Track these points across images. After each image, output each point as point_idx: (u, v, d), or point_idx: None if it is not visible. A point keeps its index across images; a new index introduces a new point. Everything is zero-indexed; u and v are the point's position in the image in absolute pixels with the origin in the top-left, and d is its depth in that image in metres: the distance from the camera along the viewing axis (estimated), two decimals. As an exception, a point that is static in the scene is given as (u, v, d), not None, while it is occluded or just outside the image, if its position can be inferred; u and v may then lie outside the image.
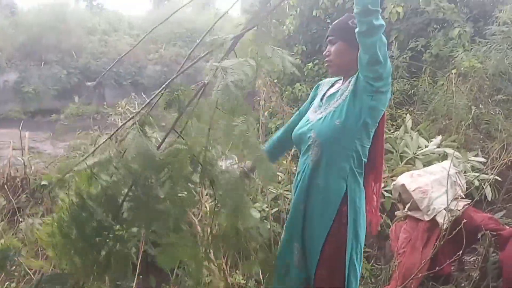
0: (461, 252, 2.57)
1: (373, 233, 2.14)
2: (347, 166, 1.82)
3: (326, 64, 1.96)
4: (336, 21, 1.95)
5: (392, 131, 4.53)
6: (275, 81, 8.50)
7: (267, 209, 3.12)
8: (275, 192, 3.43)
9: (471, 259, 3.10)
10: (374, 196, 2.02)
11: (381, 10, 1.62)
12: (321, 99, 1.99)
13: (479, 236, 2.80)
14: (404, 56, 6.28)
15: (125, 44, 16.44)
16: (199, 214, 3.17)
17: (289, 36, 8.62)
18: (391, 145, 4.34)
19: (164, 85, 1.45)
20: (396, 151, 4.27)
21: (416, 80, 5.80)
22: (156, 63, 15.84)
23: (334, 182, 1.83)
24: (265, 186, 3.22)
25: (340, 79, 2.00)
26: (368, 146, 1.87)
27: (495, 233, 2.75)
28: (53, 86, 14.52)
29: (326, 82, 2.10)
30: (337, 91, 1.92)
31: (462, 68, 5.23)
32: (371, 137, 1.86)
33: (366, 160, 1.88)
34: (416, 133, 4.44)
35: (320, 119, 1.88)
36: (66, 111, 13.65)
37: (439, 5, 6.87)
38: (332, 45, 1.91)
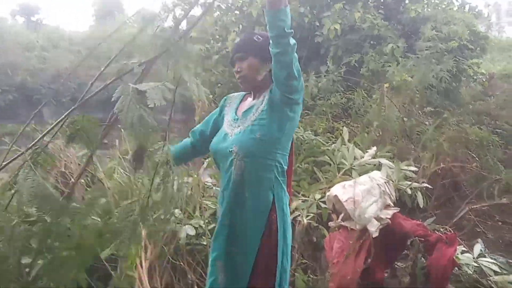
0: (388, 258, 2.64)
1: None
2: (272, 176, 1.88)
3: (239, 81, 2.00)
4: (239, 40, 2.06)
5: (329, 143, 4.63)
6: (220, 97, 8.55)
7: (204, 226, 3.08)
8: (213, 207, 3.39)
9: (403, 265, 3.20)
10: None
11: (293, 32, 1.72)
12: (236, 113, 2.02)
13: (409, 242, 2.90)
14: (340, 71, 6.50)
15: (66, 60, 15.91)
16: (133, 234, 3.08)
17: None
18: (328, 156, 4.43)
19: (64, 115, 1.34)
20: (333, 163, 4.36)
21: (352, 94, 6.00)
22: (97, 79, 15.41)
23: (262, 193, 1.86)
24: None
25: (249, 93, 2.05)
26: (287, 154, 1.94)
27: (423, 239, 2.86)
28: (-14, 105, 13.77)
29: (236, 95, 2.14)
30: (253, 105, 1.96)
31: (394, 82, 5.47)
32: (289, 145, 1.95)
33: (286, 167, 1.94)
34: (353, 144, 4.56)
35: (239, 133, 1.91)
36: (1, 131, 12.94)
37: (374, 22, 7.22)
38: (242, 62, 1.95)
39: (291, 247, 3.09)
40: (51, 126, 1.32)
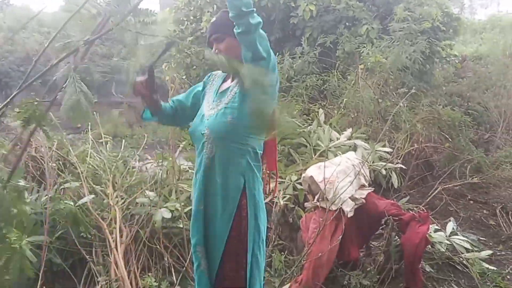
0: (363, 237, 2.67)
1: None
2: (244, 161, 1.84)
3: None
4: (215, 19, 1.96)
5: (305, 125, 4.64)
6: (196, 78, 8.45)
7: (180, 209, 3.06)
8: (188, 190, 3.37)
9: (377, 244, 3.26)
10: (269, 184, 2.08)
11: (254, 10, 1.67)
12: (215, 94, 1.97)
13: (383, 221, 2.95)
14: (314, 52, 6.47)
15: (34, 42, 15.40)
16: (108, 218, 3.04)
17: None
18: (305, 138, 4.45)
19: (9, 98, 1.28)
20: (309, 144, 4.39)
21: (327, 76, 6.00)
22: (69, 61, 14.98)
23: (232, 178, 1.83)
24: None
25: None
26: (263, 139, 1.89)
27: (396, 218, 2.91)
28: (-49, 88, 13.26)
29: (220, 74, 2.08)
30: (228, 87, 1.93)
31: (369, 64, 5.49)
32: None
33: (261, 152, 1.90)
34: (328, 126, 4.59)
35: (212, 116, 1.88)
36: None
37: (349, 4, 7.20)
38: (220, 43, 1.90)
39: (268, 228, 3.12)
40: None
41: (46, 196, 2.91)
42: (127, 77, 1.94)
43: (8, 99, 1.26)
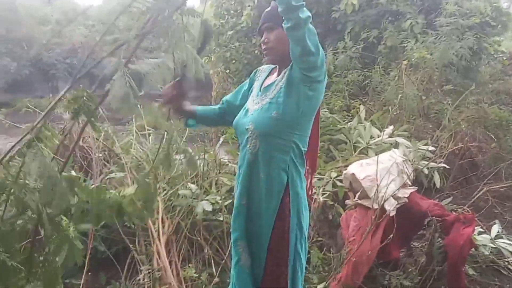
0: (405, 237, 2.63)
1: None
2: (287, 157, 1.82)
3: (264, 52, 1.91)
4: (269, 8, 1.90)
5: (346, 121, 4.59)
6: (235, 72, 8.51)
7: (220, 202, 3.10)
8: (229, 184, 3.41)
9: (419, 244, 3.19)
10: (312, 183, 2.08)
11: (304, 4, 1.62)
12: (260, 89, 1.96)
13: (426, 222, 2.88)
14: (357, 47, 6.37)
15: (80, 35, 15.90)
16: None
17: (247, 27, 8.59)
18: (345, 135, 4.41)
19: (64, 91, 1.31)
20: (349, 141, 4.34)
21: (369, 71, 5.90)
22: (112, 54, 15.37)
23: (275, 174, 1.82)
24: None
25: (276, 67, 1.98)
26: (308, 136, 1.87)
27: (440, 219, 2.84)
28: (2, 78, 13.88)
29: (265, 68, 2.07)
30: (273, 82, 1.90)
31: (413, 59, 5.36)
32: (311, 126, 1.87)
33: (306, 149, 1.88)
34: (369, 123, 4.52)
35: (256, 110, 1.86)
36: (17, 104, 13.06)
37: (393, -3, 7.05)
38: (270, 32, 1.86)
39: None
40: (52, 102, 1.30)
41: (93, 186, 3.01)
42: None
43: (63, 92, 1.29)
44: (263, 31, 1.89)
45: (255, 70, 2.13)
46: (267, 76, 2.01)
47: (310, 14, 1.65)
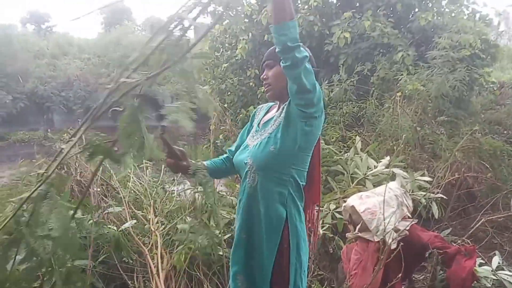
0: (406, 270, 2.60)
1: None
2: (285, 191, 1.83)
3: (265, 88, 1.97)
4: (273, 47, 1.93)
5: (342, 152, 4.62)
6: (230, 104, 8.59)
7: (220, 235, 3.07)
8: (227, 217, 3.39)
9: (421, 277, 3.17)
10: (313, 217, 2.06)
11: (301, 44, 1.68)
12: (258, 125, 2.01)
13: (427, 254, 2.87)
14: (352, 79, 6.48)
15: (75, 68, 16.04)
16: (149, 243, 3.08)
17: (242, 59, 8.73)
18: (342, 166, 4.42)
19: (77, 134, 1.32)
20: (347, 172, 4.35)
21: (364, 103, 5.98)
22: (107, 87, 15.45)
23: (274, 207, 1.82)
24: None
25: (276, 103, 2.03)
26: (306, 170, 1.89)
27: (441, 251, 2.83)
28: (-3, 112, 13.90)
29: (264, 106, 2.13)
30: (272, 117, 1.95)
31: (406, 91, 5.45)
32: (309, 160, 1.89)
33: (304, 183, 1.89)
34: (366, 154, 4.54)
35: (256, 145, 1.89)
36: (12, 137, 13.05)
37: (384, 31, 7.22)
38: (270, 69, 1.93)
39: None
40: (70, 140, 1.32)
41: (91, 221, 2.99)
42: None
43: (83, 131, 1.30)
44: (264, 68, 1.97)
45: (254, 110, 2.18)
46: (266, 113, 2.07)
47: (307, 54, 1.70)
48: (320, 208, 3.63)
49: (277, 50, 1.68)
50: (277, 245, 1.82)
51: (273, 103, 2.08)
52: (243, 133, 2.16)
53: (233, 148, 2.17)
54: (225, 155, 2.21)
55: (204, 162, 2.06)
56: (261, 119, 2.04)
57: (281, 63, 1.70)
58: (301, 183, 1.87)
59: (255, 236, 1.88)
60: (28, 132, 13.00)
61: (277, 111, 1.97)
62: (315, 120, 1.81)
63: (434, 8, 8.15)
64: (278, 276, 1.82)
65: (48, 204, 1.07)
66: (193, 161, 1.95)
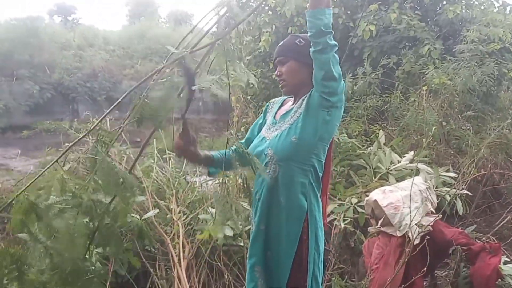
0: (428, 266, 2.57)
1: None
2: (306, 181, 1.85)
3: (280, 85, 2.00)
4: (282, 42, 2.02)
5: (365, 146, 4.57)
6: (252, 96, 8.58)
7: (240, 227, 3.09)
8: (249, 209, 3.39)
9: (443, 273, 3.12)
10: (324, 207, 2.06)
11: (333, 32, 1.75)
12: (274, 117, 2.02)
13: (450, 251, 2.83)
14: (376, 73, 6.39)
15: (100, 59, 16.28)
16: (171, 233, 3.12)
17: (265, 52, 8.69)
18: (364, 160, 4.37)
19: (126, 120, 1.41)
20: (369, 167, 4.30)
21: (388, 96, 5.90)
22: (131, 78, 15.66)
23: (295, 198, 1.84)
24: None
25: (291, 97, 2.05)
26: (323, 160, 1.91)
27: (465, 247, 2.78)
28: (25, 102, 14.19)
29: (277, 100, 2.15)
30: (291, 109, 1.96)
31: (432, 85, 5.35)
32: (326, 151, 1.92)
33: (322, 174, 1.91)
34: (389, 148, 4.48)
35: (275, 136, 1.91)
36: (39, 127, 13.35)
37: (410, 24, 7.07)
38: (283, 66, 1.96)
39: (327, 251, 3.08)
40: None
41: (115, 209, 3.03)
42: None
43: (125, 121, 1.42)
44: (277, 64, 2.00)
45: (267, 103, 2.20)
46: (280, 106, 2.08)
47: (336, 44, 1.77)
48: (342, 202, 3.63)
49: (309, 34, 1.76)
50: (298, 236, 1.84)
51: (286, 97, 2.10)
52: (254, 127, 2.18)
53: (248, 135, 2.19)
54: (233, 147, 2.21)
55: (212, 153, 2.06)
56: (276, 112, 2.05)
57: (311, 49, 1.76)
58: (319, 173, 1.90)
59: (274, 227, 1.89)
60: (54, 122, 13.26)
61: (293, 103, 1.99)
62: (336, 110, 1.85)
63: (463, 1, 7.94)
64: (296, 266, 1.84)
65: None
66: (200, 151, 1.97)
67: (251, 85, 8.69)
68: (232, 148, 2.22)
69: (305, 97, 1.90)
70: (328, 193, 2.14)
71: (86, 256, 1.46)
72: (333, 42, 1.74)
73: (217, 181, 3.84)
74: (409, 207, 2.74)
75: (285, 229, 1.86)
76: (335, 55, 1.77)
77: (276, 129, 1.93)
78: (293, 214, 1.84)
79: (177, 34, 17.37)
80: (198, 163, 2.02)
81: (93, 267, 1.53)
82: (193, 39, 1.63)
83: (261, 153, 1.93)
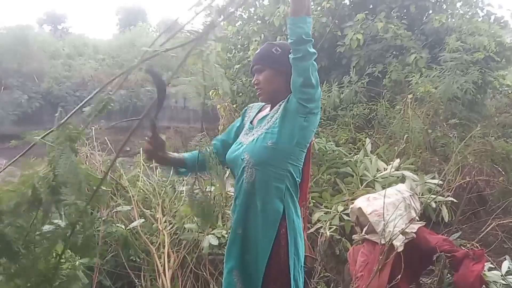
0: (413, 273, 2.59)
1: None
2: (283, 186, 1.86)
3: (257, 93, 2.02)
4: (259, 50, 2.04)
5: (352, 154, 4.60)
6: (241, 105, 8.60)
7: (226, 235, 3.08)
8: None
9: (428, 280, 3.14)
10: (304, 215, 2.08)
11: (313, 40, 1.78)
12: (251, 122, 2.04)
13: (434, 258, 2.84)
14: (362, 81, 6.45)
15: (90, 68, 16.23)
16: (157, 242, 3.11)
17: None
18: (351, 168, 4.39)
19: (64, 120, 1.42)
20: (356, 174, 4.32)
21: (374, 105, 5.95)
22: (121, 87, 15.57)
23: (271, 202, 1.85)
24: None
25: (268, 104, 2.06)
26: (301, 166, 1.92)
27: (449, 254, 2.80)
28: (13, 111, 14.08)
29: (256, 105, 2.16)
30: (268, 114, 1.99)
31: (418, 93, 5.41)
32: (303, 157, 1.93)
33: (299, 179, 1.93)
34: (375, 156, 4.51)
35: (252, 141, 1.93)
36: (27, 136, 13.21)
37: (397, 33, 7.18)
38: (260, 74, 1.98)
39: (313, 260, 3.08)
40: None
41: (99, 219, 3.02)
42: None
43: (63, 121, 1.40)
44: (254, 72, 2.02)
45: (246, 108, 2.22)
46: (258, 112, 2.10)
47: (316, 52, 1.80)
48: (328, 210, 3.64)
49: (290, 41, 1.78)
50: (273, 240, 1.85)
51: (264, 103, 2.11)
52: (231, 129, 2.19)
53: (222, 137, 2.20)
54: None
55: (184, 154, 2.09)
56: (254, 117, 2.07)
57: (291, 56, 1.79)
58: (297, 178, 1.92)
59: (251, 232, 1.91)
60: (43, 131, 13.16)
61: (270, 110, 2.01)
62: (313, 116, 1.88)
63: (448, 10, 8.08)
64: (275, 271, 1.85)
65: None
66: (170, 153, 2.02)
67: (240, 94, 8.74)
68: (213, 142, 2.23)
69: (282, 102, 1.92)
70: (310, 200, 2.15)
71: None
72: (313, 50, 1.77)
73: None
74: (392, 215, 2.75)
75: (261, 233, 1.87)
76: (314, 63, 1.80)
77: (253, 134, 1.95)
78: (268, 218, 1.86)
79: (168, 43, 17.29)
80: (168, 165, 2.08)
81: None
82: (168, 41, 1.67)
83: (238, 157, 1.94)
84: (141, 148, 1.86)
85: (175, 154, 2.07)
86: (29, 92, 14.65)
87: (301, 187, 1.99)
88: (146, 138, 1.92)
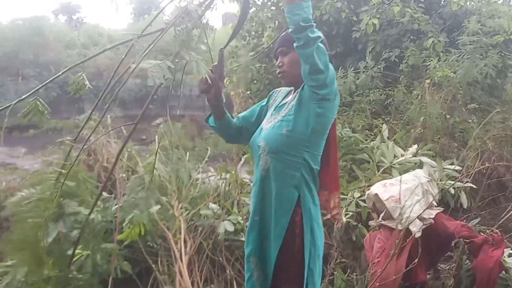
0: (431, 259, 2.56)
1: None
2: (298, 174, 1.83)
3: (279, 75, 1.99)
4: (285, 33, 1.98)
5: (368, 140, 4.55)
6: (256, 92, 8.57)
7: (242, 222, 3.09)
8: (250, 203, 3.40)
9: (446, 267, 3.11)
10: (332, 201, 2.03)
11: (314, 24, 1.71)
12: (274, 109, 2.01)
13: (453, 243, 2.81)
14: (379, 66, 6.34)
15: (105, 57, 16.30)
16: (173, 228, 3.13)
17: (269, 48, 8.66)
18: (367, 154, 4.35)
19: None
20: (372, 161, 4.28)
21: (391, 90, 5.86)
22: (136, 76, 15.65)
23: (286, 190, 1.83)
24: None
25: (292, 89, 2.02)
26: (320, 154, 1.88)
27: (468, 240, 2.76)
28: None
29: (283, 90, 2.11)
30: (287, 101, 1.96)
31: (436, 78, 5.31)
32: (323, 144, 1.88)
33: (318, 167, 1.89)
34: (392, 142, 4.46)
35: (268, 128, 1.91)
36: (45, 126, 13.42)
37: (414, 16, 7.02)
38: (284, 56, 1.94)
39: (330, 246, 3.06)
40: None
41: (117, 206, 3.05)
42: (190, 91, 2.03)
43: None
44: (278, 55, 1.97)
45: (272, 91, 2.18)
46: (284, 97, 2.06)
47: (320, 35, 1.74)
48: (344, 196, 3.61)
49: (290, 30, 1.73)
50: (285, 228, 1.82)
51: (290, 89, 2.06)
52: (256, 107, 2.17)
53: (245, 114, 2.19)
54: (235, 120, 2.17)
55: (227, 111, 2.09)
56: (279, 103, 2.03)
57: (294, 44, 1.73)
58: (314, 167, 1.87)
59: (266, 219, 1.90)
60: (61, 121, 13.35)
61: (292, 95, 1.98)
62: (328, 102, 1.82)
63: (467, -8, 7.88)
64: (289, 259, 1.83)
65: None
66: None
67: (255, 81, 8.69)
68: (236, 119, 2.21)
69: (298, 90, 1.90)
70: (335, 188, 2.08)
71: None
72: (315, 34, 1.70)
73: (218, 177, 3.86)
74: (409, 200, 2.72)
75: (274, 221, 1.86)
76: (320, 46, 1.72)
77: (271, 121, 1.93)
78: (282, 206, 1.84)
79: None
80: (214, 106, 2.00)
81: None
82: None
83: (255, 143, 1.94)
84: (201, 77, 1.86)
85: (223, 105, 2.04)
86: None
87: (329, 174, 1.96)
88: (212, 66, 1.91)
